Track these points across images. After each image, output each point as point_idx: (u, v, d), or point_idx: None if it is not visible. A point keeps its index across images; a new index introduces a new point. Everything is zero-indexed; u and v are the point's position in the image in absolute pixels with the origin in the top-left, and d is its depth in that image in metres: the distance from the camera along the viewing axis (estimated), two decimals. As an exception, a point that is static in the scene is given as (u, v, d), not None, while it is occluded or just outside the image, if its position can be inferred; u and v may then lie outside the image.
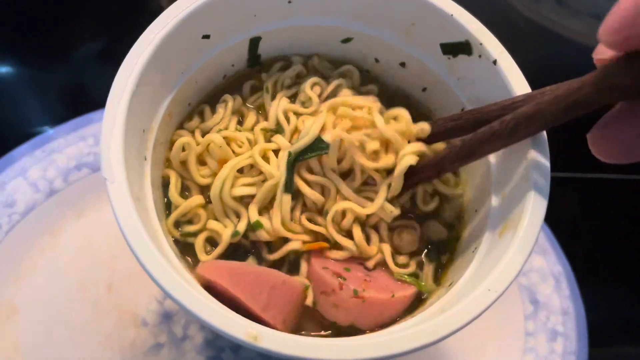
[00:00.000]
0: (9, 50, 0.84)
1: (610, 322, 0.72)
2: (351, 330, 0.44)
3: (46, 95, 0.81)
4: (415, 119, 0.46)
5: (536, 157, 0.40)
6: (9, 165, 0.68)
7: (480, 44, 0.44)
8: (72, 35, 0.86)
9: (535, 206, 0.38)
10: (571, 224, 0.77)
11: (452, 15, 0.45)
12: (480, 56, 0.45)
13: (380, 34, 0.50)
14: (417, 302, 0.46)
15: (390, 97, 0.53)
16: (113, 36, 0.87)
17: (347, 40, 0.52)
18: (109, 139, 0.38)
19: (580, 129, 0.86)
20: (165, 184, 0.48)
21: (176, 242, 0.46)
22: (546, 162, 0.40)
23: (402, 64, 0.52)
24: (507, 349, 0.65)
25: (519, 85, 0.43)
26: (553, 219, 0.71)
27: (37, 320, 0.63)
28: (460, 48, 0.46)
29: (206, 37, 0.47)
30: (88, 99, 0.79)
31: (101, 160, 0.37)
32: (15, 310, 0.63)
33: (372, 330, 0.43)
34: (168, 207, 0.47)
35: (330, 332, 0.45)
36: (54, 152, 0.70)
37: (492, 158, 0.46)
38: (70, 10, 0.87)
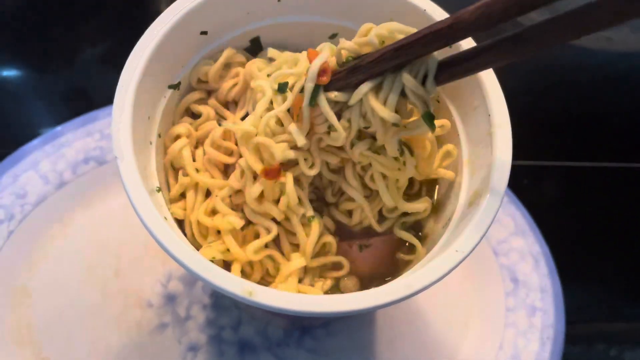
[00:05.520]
0: (18, 55, 0.89)
1: (587, 300, 0.76)
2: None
3: (53, 97, 0.86)
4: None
5: (499, 130, 0.45)
6: (21, 159, 0.73)
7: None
8: (76, 40, 0.91)
9: (498, 176, 0.43)
10: (550, 208, 0.81)
11: (424, 10, 0.49)
12: (450, 46, 0.49)
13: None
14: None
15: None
16: (115, 41, 0.92)
17: (333, 36, 0.56)
18: (119, 122, 0.42)
19: (560, 122, 0.90)
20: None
21: None
22: (508, 133, 0.44)
23: None
24: (490, 324, 0.69)
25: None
26: (533, 204, 0.75)
27: (49, 303, 0.67)
28: None
29: (204, 33, 0.51)
30: (92, 100, 0.84)
31: (112, 141, 0.41)
32: (29, 295, 0.68)
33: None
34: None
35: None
36: (63, 147, 0.74)
37: (462, 136, 0.50)
38: (74, 17, 0.92)
